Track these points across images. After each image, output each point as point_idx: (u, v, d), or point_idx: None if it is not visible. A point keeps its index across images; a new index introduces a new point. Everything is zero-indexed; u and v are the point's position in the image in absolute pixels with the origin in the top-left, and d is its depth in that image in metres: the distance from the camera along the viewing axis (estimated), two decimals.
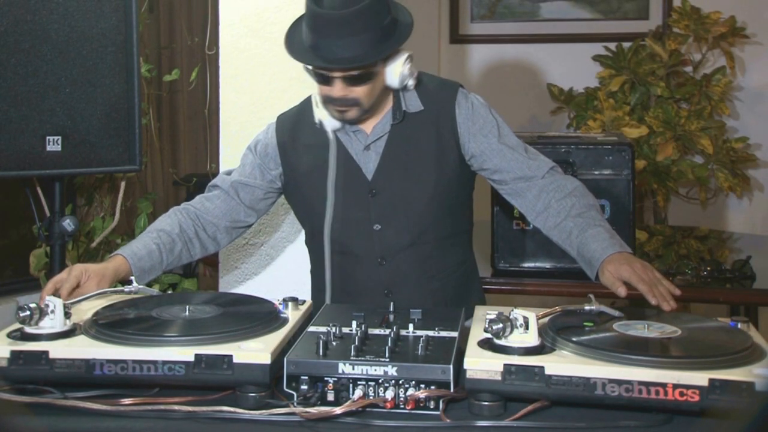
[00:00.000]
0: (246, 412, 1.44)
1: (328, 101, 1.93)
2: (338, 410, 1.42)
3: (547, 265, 2.67)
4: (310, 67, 1.91)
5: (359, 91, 1.90)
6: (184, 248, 2.04)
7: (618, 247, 1.83)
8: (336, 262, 2.05)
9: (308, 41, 1.87)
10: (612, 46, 4.13)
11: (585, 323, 1.61)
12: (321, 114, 1.98)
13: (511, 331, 1.49)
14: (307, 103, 2.09)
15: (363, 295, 2.04)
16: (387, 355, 1.48)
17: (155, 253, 1.96)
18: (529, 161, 2.01)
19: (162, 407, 1.46)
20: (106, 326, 1.59)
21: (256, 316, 1.65)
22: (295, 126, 2.09)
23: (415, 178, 2.00)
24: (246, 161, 2.14)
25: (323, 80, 1.90)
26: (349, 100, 1.90)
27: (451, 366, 1.45)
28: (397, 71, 1.93)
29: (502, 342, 1.49)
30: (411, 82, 1.96)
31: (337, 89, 1.88)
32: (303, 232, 2.57)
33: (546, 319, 1.62)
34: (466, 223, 2.15)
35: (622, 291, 1.76)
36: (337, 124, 1.98)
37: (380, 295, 2.02)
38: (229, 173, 2.15)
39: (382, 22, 1.86)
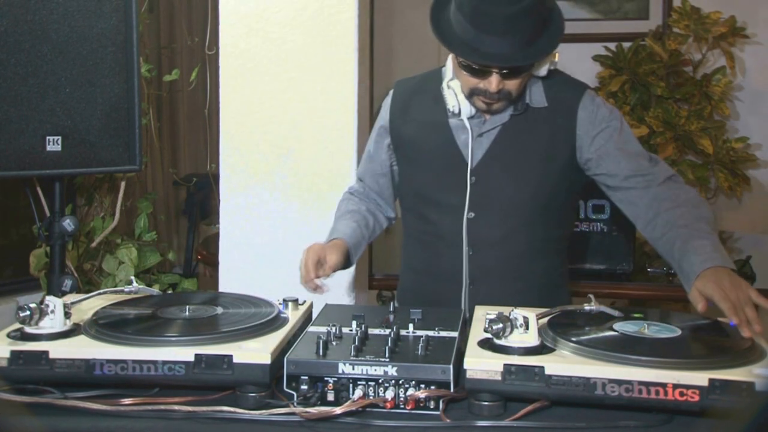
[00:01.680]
0: (246, 412, 1.44)
1: (477, 93, 1.91)
2: (338, 410, 1.42)
3: None
4: (463, 60, 1.88)
5: (512, 84, 1.89)
6: (373, 220, 2.14)
7: (718, 261, 1.72)
8: (425, 244, 2.06)
9: (466, 34, 1.83)
10: (612, 46, 4.13)
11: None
12: (458, 102, 1.95)
13: (511, 331, 1.49)
14: (431, 77, 2.08)
15: (446, 281, 2.03)
16: (387, 355, 1.48)
17: (357, 230, 2.06)
18: (647, 169, 1.94)
19: (162, 407, 1.46)
20: (106, 326, 1.59)
21: (256, 316, 1.65)
22: (411, 97, 2.09)
23: (519, 173, 1.97)
24: (372, 148, 2.18)
25: (478, 74, 1.88)
26: (503, 93, 1.89)
27: (451, 366, 1.45)
28: (546, 62, 1.93)
29: (502, 342, 1.49)
30: (545, 71, 1.96)
31: (494, 83, 1.86)
32: (302, 233, 2.57)
33: (546, 319, 1.62)
34: (564, 230, 2.10)
35: (700, 307, 1.68)
36: (471, 111, 1.96)
37: (462, 285, 2.01)
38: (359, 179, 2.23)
39: (542, 14, 1.85)
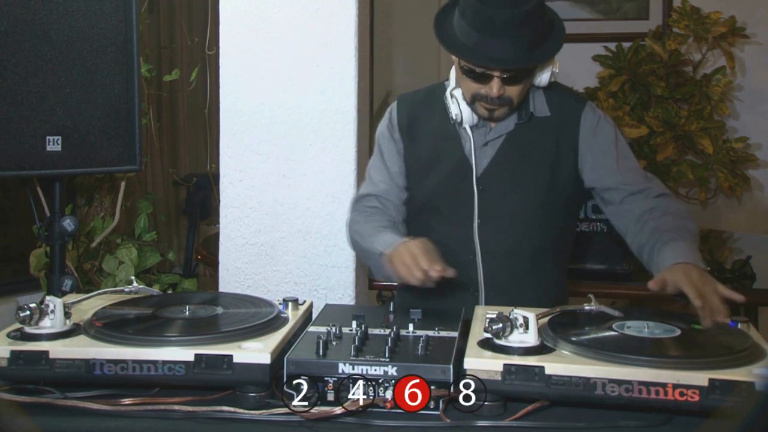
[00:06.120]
0: (246, 412, 1.44)
1: (479, 99, 1.92)
2: (338, 410, 1.42)
3: None
4: (465, 64, 1.89)
5: (513, 90, 1.90)
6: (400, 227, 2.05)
7: (691, 259, 1.72)
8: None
9: (468, 38, 1.85)
10: (612, 46, 4.13)
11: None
12: (460, 110, 1.96)
13: (511, 331, 1.49)
14: (435, 90, 2.09)
15: (450, 290, 2.00)
16: (387, 355, 1.48)
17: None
18: (642, 183, 1.97)
19: (162, 407, 1.46)
20: (106, 326, 1.59)
21: (256, 316, 1.65)
22: (416, 110, 2.09)
23: (526, 181, 1.98)
24: (385, 157, 2.11)
25: (480, 78, 1.89)
26: (504, 99, 1.90)
27: (451, 366, 1.45)
28: (547, 70, 1.95)
29: (502, 342, 1.49)
30: (546, 81, 1.96)
31: (495, 88, 1.88)
32: (302, 233, 2.57)
33: (546, 319, 1.62)
34: (566, 243, 2.11)
35: (651, 284, 1.68)
36: (474, 119, 1.97)
37: (467, 293, 2.01)
38: (369, 194, 2.11)
39: (543, 21, 1.87)
